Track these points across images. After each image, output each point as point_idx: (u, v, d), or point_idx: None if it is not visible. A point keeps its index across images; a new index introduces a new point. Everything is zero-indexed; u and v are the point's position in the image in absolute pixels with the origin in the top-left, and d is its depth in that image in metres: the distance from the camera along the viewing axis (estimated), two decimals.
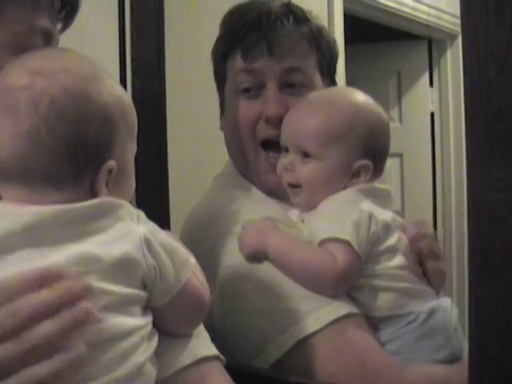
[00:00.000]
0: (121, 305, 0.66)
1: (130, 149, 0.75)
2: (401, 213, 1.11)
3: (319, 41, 1.16)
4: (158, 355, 0.70)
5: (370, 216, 0.95)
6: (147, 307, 0.71)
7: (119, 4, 1.32)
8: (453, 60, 3.45)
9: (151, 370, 0.69)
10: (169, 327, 0.75)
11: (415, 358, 0.96)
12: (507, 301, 0.67)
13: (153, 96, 1.19)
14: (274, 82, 1.11)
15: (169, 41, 1.22)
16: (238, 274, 1.01)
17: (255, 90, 1.12)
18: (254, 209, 1.07)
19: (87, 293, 0.61)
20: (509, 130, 0.65)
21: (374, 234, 0.95)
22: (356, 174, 1.00)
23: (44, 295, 0.59)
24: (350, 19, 2.72)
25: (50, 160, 0.66)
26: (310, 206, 1.03)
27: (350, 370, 0.93)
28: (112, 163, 0.70)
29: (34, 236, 0.64)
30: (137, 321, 0.68)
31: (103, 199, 0.68)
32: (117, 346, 0.64)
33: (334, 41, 1.23)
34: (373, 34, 3.28)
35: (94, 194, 0.69)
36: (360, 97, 1.05)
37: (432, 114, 3.54)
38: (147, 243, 0.68)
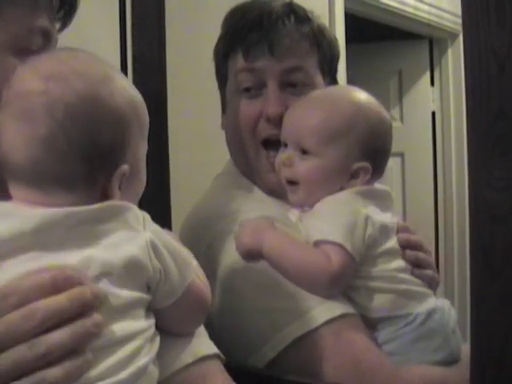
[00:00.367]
0: (127, 309, 0.67)
1: (142, 147, 0.76)
2: None
3: (320, 40, 1.16)
4: (159, 355, 0.71)
5: (367, 218, 0.95)
6: (150, 309, 0.72)
7: (120, 2, 1.32)
8: (454, 59, 3.44)
9: (154, 371, 0.69)
10: (171, 327, 0.76)
11: (413, 359, 0.96)
12: (508, 300, 0.67)
13: (154, 94, 1.19)
14: (274, 81, 1.11)
15: (170, 39, 1.22)
16: (235, 273, 1.01)
17: (256, 90, 1.13)
18: (253, 208, 1.08)
19: (99, 301, 0.62)
20: (510, 128, 0.65)
21: (370, 236, 0.95)
22: (354, 175, 1.00)
23: (57, 300, 0.60)
24: (351, 18, 2.72)
25: (64, 163, 0.67)
26: (306, 204, 1.03)
27: (345, 370, 0.93)
28: (125, 167, 0.70)
29: (43, 237, 0.64)
30: (141, 324, 0.68)
31: (111, 202, 0.68)
32: (121, 350, 0.65)
33: (336, 40, 1.23)
34: (374, 34, 3.28)
35: (106, 196, 0.70)
36: (362, 96, 1.05)
37: (433, 113, 3.53)
38: (153, 246, 0.69)
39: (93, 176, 0.69)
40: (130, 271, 0.67)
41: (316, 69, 1.15)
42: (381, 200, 1.02)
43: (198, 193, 1.20)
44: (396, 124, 3.55)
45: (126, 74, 1.27)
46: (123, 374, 0.64)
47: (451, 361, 0.98)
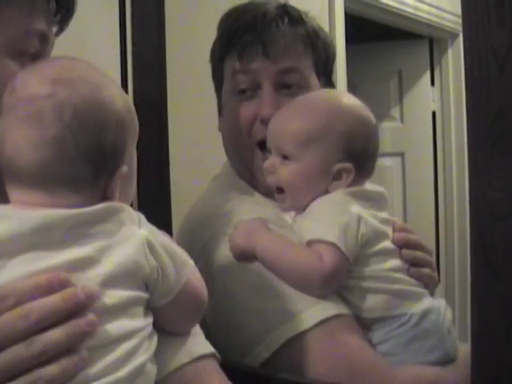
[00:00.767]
0: (124, 307, 0.68)
1: (135, 153, 0.78)
2: None
3: (315, 41, 1.16)
4: (156, 354, 0.72)
5: (359, 219, 0.95)
6: (147, 307, 0.72)
7: (120, 3, 1.32)
8: (454, 59, 3.44)
9: (151, 370, 0.70)
10: (168, 326, 0.77)
11: (407, 360, 0.96)
12: (508, 300, 0.67)
13: (154, 95, 1.19)
14: (269, 82, 1.12)
15: (169, 40, 1.22)
16: (229, 274, 1.02)
17: (251, 91, 1.13)
18: (248, 209, 1.08)
19: (93, 300, 0.63)
20: (509, 128, 0.65)
21: (363, 236, 0.95)
22: (337, 177, 1.00)
23: (51, 300, 0.61)
24: (350, 19, 2.72)
25: (71, 165, 0.68)
26: (295, 209, 1.04)
27: (338, 371, 0.93)
28: (125, 169, 0.73)
29: (42, 238, 0.65)
30: (139, 322, 0.69)
31: (107, 204, 0.70)
32: (119, 348, 0.65)
33: (331, 41, 1.23)
34: (374, 34, 3.28)
35: (106, 197, 0.71)
36: (343, 99, 1.05)
37: (433, 113, 3.53)
38: (149, 245, 0.70)
39: (97, 177, 0.71)
40: (127, 270, 0.68)
41: (311, 70, 1.16)
42: (374, 200, 1.02)
43: (197, 194, 1.21)
44: (396, 124, 3.56)
45: (125, 75, 1.27)
46: (121, 372, 0.64)
47: (446, 361, 0.98)
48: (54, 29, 0.81)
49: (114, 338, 0.65)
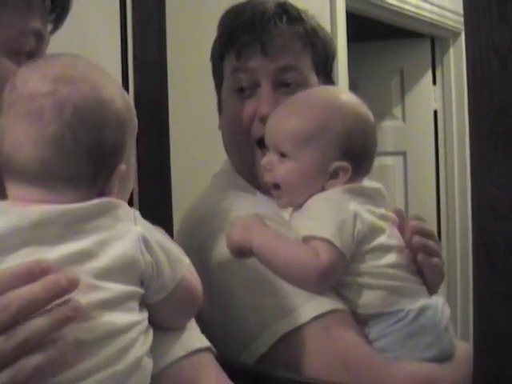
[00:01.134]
0: (119, 302, 0.68)
1: (133, 151, 0.79)
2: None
3: (314, 40, 1.16)
4: (152, 348, 0.72)
5: (355, 215, 0.95)
6: (142, 303, 0.73)
7: (120, 2, 1.32)
8: (456, 58, 3.44)
9: (148, 364, 0.71)
10: (163, 321, 0.77)
11: (404, 356, 0.95)
12: (510, 296, 0.67)
13: (154, 94, 1.19)
14: (268, 80, 1.12)
15: (170, 38, 1.22)
16: (225, 270, 1.02)
17: (250, 89, 1.13)
18: (246, 206, 1.08)
19: (75, 286, 0.62)
20: (511, 125, 0.65)
21: (359, 232, 0.95)
22: (333, 175, 1.00)
23: (32, 289, 0.60)
24: (352, 17, 2.72)
25: (71, 162, 0.69)
26: (291, 206, 1.04)
27: (333, 366, 0.94)
28: (124, 167, 0.74)
29: (39, 234, 0.65)
30: (134, 317, 0.70)
31: (103, 200, 0.70)
32: (116, 342, 0.66)
33: (331, 39, 1.23)
34: (375, 33, 3.28)
35: (104, 194, 0.72)
36: (340, 97, 1.05)
37: (435, 112, 3.53)
38: (145, 241, 0.70)
39: (96, 175, 0.71)
40: (123, 265, 0.68)
41: (310, 68, 1.16)
42: (371, 197, 1.01)
43: (199, 191, 1.21)
44: (398, 123, 3.55)
45: (126, 73, 1.27)
46: (118, 366, 0.65)
47: (443, 358, 0.98)
48: (49, 27, 0.82)
49: (111, 332, 0.66)
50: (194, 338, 0.82)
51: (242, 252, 0.98)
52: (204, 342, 0.82)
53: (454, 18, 3.25)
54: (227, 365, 0.84)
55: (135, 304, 0.71)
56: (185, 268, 0.76)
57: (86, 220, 0.68)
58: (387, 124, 3.49)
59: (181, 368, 0.78)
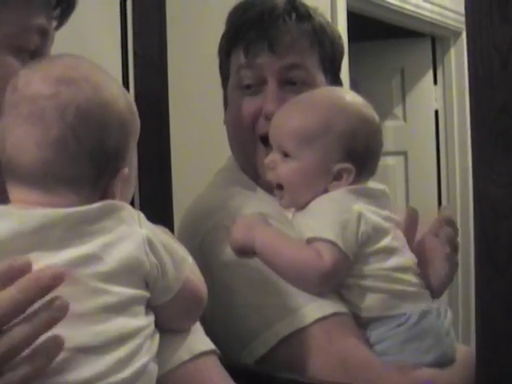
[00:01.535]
0: (125, 306, 0.67)
1: (135, 153, 0.78)
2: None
3: (322, 38, 1.15)
4: (157, 351, 0.71)
5: (359, 216, 0.95)
6: (148, 306, 0.72)
7: (121, 0, 1.31)
8: (457, 57, 3.43)
9: (154, 369, 0.70)
10: (168, 324, 0.76)
11: (404, 360, 0.95)
12: None
13: (155, 92, 1.19)
14: (274, 78, 1.11)
15: (171, 36, 1.22)
16: (227, 268, 1.02)
17: (256, 86, 1.13)
18: (249, 204, 1.08)
19: (60, 280, 0.59)
20: None
21: (363, 234, 0.95)
22: (337, 177, 0.99)
23: (9, 294, 0.57)
24: (353, 17, 2.72)
25: (73, 165, 0.68)
26: (293, 206, 1.04)
27: (333, 368, 0.93)
28: (127, 170, 0.73)
29: (41, 237, 0.65)
30: (141, 321, 0.69)
31: (106, 202, 0.70)
32: (122, 348, 0.65)
33: (339, 38, 1.22)
34: (376, 32, 3.28)
35: (106, 197, 0.71)
36: (345, 97, 1.04)
37: (436, 112, 3.52)
38: (149, 243, 0.70)
39: (98, 177, 0.70)
40: (127, 268, 0.67)
41: (317, 67, 1.15)
42: (375, 198, 1.01)
43: (199, 189, 1.21)
44: (399, 123, 3.55)
45: (127, 71, 1.27)
46: (124, 373, 0.64)
47: (444, 362, 0.97)
48: (54, 23, 0.81)
49: (116, 337, 0.65)
50: (198, 340, 0.81)
51: (244, 251, 0.98)
52: (209, 345, 0.82)
53: (454, 17, 3.24)
54: (228, 365, 0.84)
55: (141, 308, 0.70)
56: (189, 269, 0.76)
57: (89, 223, 0.67)
58: (388, 124, 3.48)
59: (186, 371, 0.77)
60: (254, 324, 0.98)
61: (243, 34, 1.12)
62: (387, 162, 3.43)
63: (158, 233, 0.73)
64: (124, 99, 0.74)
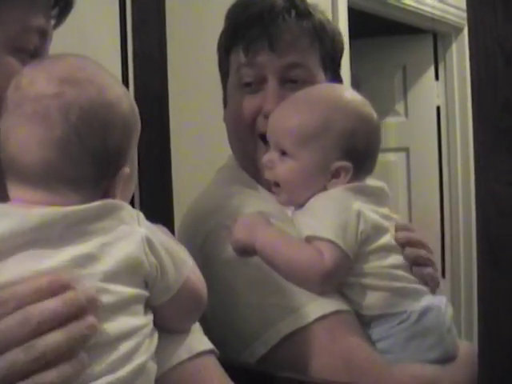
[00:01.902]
0: (124, 305, 0.67)
1: (135, 152, 0.78)
2: None
3: (322, 36, 1.15)
4: (155, 351, 0.71)
5: (359, 215, 0.95)
6: (147, 306, 0.72)
7: None
8: (458, 53, 3.43)
9: (152, 367, 0.70)
10: (167, 324, 0.76)
11: (406, 357, 0.95)
12: None
13: (155, 90, 1.19)
14: (274, 77, 1.11)
15: (170, 35, 1.22)
16: (228, 268, 1.02)
17: (256, 85, 1.13)
18: (250, 203, 1.08)
19: (94, 305, 0.62)
20: None
21: (363, 232, 0.95)
22: (335, 175, 0.99)
23: (53, 305, 0.60)
24: (354, 13, 2.71)
25: (75, 165, 0.69)
26: (291, 204, 1.04)
27: (336, 367, 0.93)
28: (127, 170, 0.73)
29: (41, 236, 0.65)
30: (140, 320, 0.69)
31: (106, 201, 0.70)
32: (121, 346, 0.65)
33: (339, 34, 1.22)
34: (377, 29, 3.27)
35: (107, 197, 0.71)
36: (343, 95, 1.04)
37: (438, 108, 3.52)
38: (149, 242, 0.70)
39: (100, 177, 0.71)
40: (127, 268, 0.67)
41: (317, 65, 1.15)
42: (374, 196, 1.01)
43: (200, 188, 1.20)
44: (401, 119, 3.55)
45: (126, 71, 1.27)
46: (122, 372, 0.64)
47: (446, 359, 0.97)
48: (52, 22, 0.80)
49: (115, 336, 0.65)
50: (197, 340, 0.81)
51: (245, 251, 0.98)
52: (207, 345, 0.82)
53: (456, 13, 3.24)
54: (228, 364, 0.84)
55: (140, 307, 0.70)
56: (189, 269, 0.76)
57: (89, 222, 0.67)
58: (390, 120, 3.48)
59: (184, 370, 0.77)
60: (255, 323, 0.97)
61: (243, 32, 1.12)
62: (389, 158, 3.43)
63: (158, 233, 0.73)
64: (127, 100, 0.74)
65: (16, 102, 0.69)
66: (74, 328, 0.61)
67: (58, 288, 0.61)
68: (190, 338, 0.80)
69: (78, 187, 0.69)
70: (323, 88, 1.11)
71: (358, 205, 0.96)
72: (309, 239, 0.95)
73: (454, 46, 3.46)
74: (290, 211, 1.06)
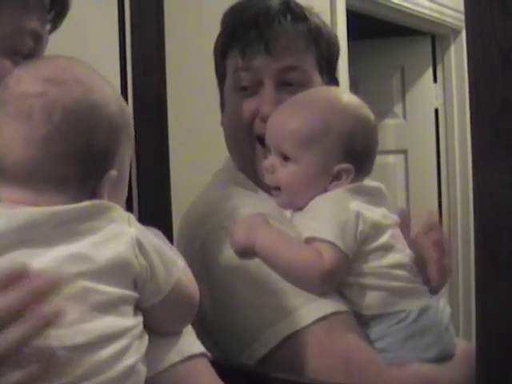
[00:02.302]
0: (113, 305, 0.67)
1: (128, 157, 0.78)
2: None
3: (318, 39, 1.15)
4: (147, 353, 0.71)
5: (358, 215, 0.95)
6: (137, 307, 0.72)
7: (118, 0, 1.31)
8: (456, 55, 3.43)
9: (142, 369, 0.70)
10: (159, 326, 0.76)
11: (404, 357, 0.96)
12: None
13: (153, 92, 1.19)
14: (270, 80, 1.11)
15: (169, 37, 1.22)
16: (228, 269, 1.01)
17: (253, 88, 1.13)
18: (248, 204, 1.08)
19: (58, 288, 0.61)
20: None
21: (361, 232, 0.95)
22: (337, 177, 0.99)
23: (6, 298, 0.59)
24: (352, 15, 2.72)
25: (59, 165, 0.68)
26: (292, 207, 1.04)
27: (335, 367, 0.93)
28: (114, 172, 0.72)
29: (28, 236, 0.65)
30: (129, 321, 0.69)
31: (96, 201, 0.70)
32: (110, 347, 0.65)
33: (335, 38, 1.22)
34: (376, 30, 3.27)
35: (94, 198, 0.71)
36: (342, 98, 1.05)
37: (436, 110, 3.52)
38: (139, 244, 0.70)
39: (85, 178, 0.70)
40: (116, 268, 0.67)
41: (314, 67, 1.15)
42: (372, 196, 1.01)
43: (198, 191, 1.20)
44: (399, 121, 3.55)
45: (125, 72, 1.27)
46: (111, 373, 0.64)
47: (443, 358, 0.98)
48: (48, 26, 0.81)
49: (104, 336, 0.65)
50: (189, 343, 0.81)
51: (245, 252, 0.98)
52: (199, 348, 0.82)
53: (454, 15, 3.24)
54: (226, 366, 0.84)
55: (129, 308, 0.70)
56: (180, 271, 0.75)
57: (78, 222, 0.67)
58: (388, 122, 3.48)
59: (175, 373, 0.77)
60: (255, 324, 0.97)
61: (239, 36, 1.12)
62: (387, 160, 3.43)
63: (148, 234, 0.73)
64: (116, 103, 0.74)
65: (2, 101, 0.69)
66: (36, 318, 0.59)
67: (14, 279, 0.60)
68: (181, 341, 0.79)
69: (63, 187, 0.69)
70: (321, 91, 1.11)
71: (357, 205, 0.96)
72: (308, 240, 0.96)
73: (452, 48, 3.46)
74: (288, 212, 1.06)
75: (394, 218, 1.03)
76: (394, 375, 0.93)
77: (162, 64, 1.19)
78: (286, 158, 1.01)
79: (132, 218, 0.72)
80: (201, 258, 1.03)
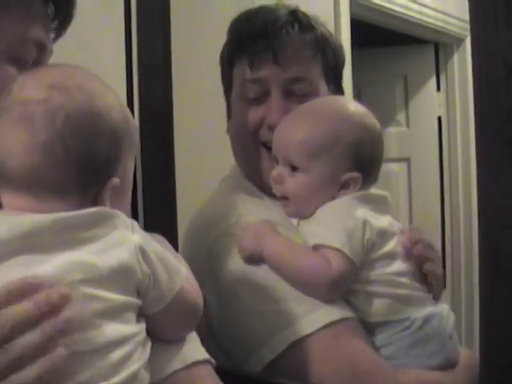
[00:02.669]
0: (116, 312, 0.67)
1: (131, 165, 0.78)
2: None
3: (324, 48, 1.16)
4: (149, 359, 0.71)
5: (365, 223, 0.96)
6: (140, 315, 0.72)
7: (125, 9, 1.32)
8: (460, 64, 3.43)
9: (145, 376, 0.70)
10: (162, 333, 0.76)
11: (409, 364, 0.96)
12: None
13: (160, 101, 1.19)
14: (278, 89, 1.12)
15: (175, 45, 1.22)
16: (235, 275, 1.02)
17: (260, 98, 1.13)
18: (255, 211, 1.08)
19: (67, 301, 0.61)
20: None
21: (368, 240, 0.96)
22: (345, 186, 1.00)
23: (24, 307, 0.59)
24: (356, 24, 2.72)
25: (60, 172, 0.68)
26: (300, 217, 1.04)
27: (341, 373, 0.94)
28: (116, 180, 0.72)
29: (31, 243, 0.65)
30: (132, 328, 0.69)
31: (99, 208, 0.70)
32: (113, 353, 0.65)
33: (341, 47, 1.23)
34: (379, 39, 3.28)
35: (96, 205, 0.71)
36: (349, 107, 1.05)
37: (439, 119, 3.52)
38: (142, 251, 0.70)
39: (86, 185, 0.70)
40: (119, 275, 0.67)
41: (320, 77, 1.16)
42: (378, 204, 1.02)
43: (203, 197, 1.20)
44: (402, 129, 3.55)
45: (131, 80, 1.27)
46: (115, 380, 0.64)
47: (447, 366, 0.99)
48: (52, 35, 0.81)
49: (106, 343, 0.65)
50: (192, 349, 0.81)
51: (253, 259, 0.99)
52: (202, 354, 0.81)
53: (457, 24, 3.24)
54: (230, 373, 0.84)
55: (132, 315, 0.70)
56: (183, 279, 0.75)
57: (81, 229, 0.67)
58: (391, 130, 3.48)
59: (178, 380, 0.77)
60: (261, 330, 0.98)
61: (247, 46, 1.12)
62: (390, 168, 3.43)
63: (152, 241, 0.73)
64: (119, 110, 0.74)
65: (5, 107, 0.69)
66: (48, 325, 0.60)
67: (30, 289, 0.61)
68: (185, 348, 0.79)
69: (65, 194, 0.69)
70: (328, 100, 1.11)
71: (364, 213, 0.97)
72: (316, 247, 0.96)
73: (456, 57, 3.47)
74: (294, 220, 1.07)
75: (399, 225, 1.03)
76: (400, 381, 0.94)
77: (168, 73, 1.19)
78: (294, 168, 1.01)
79: (135, 225, 0.72)
80: (207, 265, 1.03)
